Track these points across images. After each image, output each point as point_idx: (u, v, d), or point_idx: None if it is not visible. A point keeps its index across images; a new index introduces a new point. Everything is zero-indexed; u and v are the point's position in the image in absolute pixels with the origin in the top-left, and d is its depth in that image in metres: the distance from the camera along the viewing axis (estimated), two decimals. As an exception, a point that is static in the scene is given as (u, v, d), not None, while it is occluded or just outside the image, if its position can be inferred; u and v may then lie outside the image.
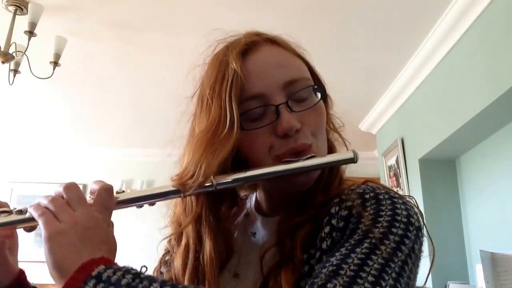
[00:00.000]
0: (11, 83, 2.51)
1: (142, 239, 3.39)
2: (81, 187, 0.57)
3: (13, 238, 0.63)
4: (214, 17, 2.36)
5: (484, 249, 2.17)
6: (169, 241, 0.72)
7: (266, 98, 0.62)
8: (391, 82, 3.11)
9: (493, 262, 2.13)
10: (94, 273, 0.48)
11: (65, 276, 0.48)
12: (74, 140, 4.44)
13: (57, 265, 0.49)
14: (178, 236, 0.69)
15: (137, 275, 0.49)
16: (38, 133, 4.23)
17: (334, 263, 0.51)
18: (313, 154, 0.61)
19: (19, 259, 0.65)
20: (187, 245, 0.67)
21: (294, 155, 0.61)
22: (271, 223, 0.67)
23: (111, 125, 4.03)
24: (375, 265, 0.50)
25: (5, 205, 0.60)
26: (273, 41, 0.68)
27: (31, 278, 0.65)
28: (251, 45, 0.66)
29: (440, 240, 2.72)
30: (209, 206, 0.66)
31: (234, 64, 0.62)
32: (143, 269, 0.52)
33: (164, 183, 0.64)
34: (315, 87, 0.65)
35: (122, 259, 0.53)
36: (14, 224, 0.57)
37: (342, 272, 0.49)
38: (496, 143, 2.48)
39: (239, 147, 0.63)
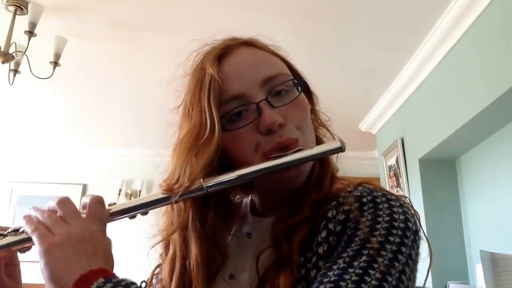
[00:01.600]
0: (11, 83, 2.51)
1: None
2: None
3: (14, 265, 0.62)
4: (214, 17, 2.36)
5: (484, 249, 2.17)
6: (160, 254, 0.72)
7: (246, 97, 0.62)
8: (391, 82, 3.11)
9: (493, 262, 2.13)
10: (93, 287, 0.47)
11: None
12: (74, 140, 4.44)
13: (54, 279, 0.49)
14: (166, 245, 0.69)
15: None
16: (38, 133, 4.23)
17: (332, 279, 0.51)
18: (300, 148, 0.61)
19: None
20: (174, 253, 0.67)
21: (281, 150, 0.61)
22: (266, 223, 0.66)
23: (111, 125, 4.03)
24: (373, 281, 0.50)
25: (2, 228, 0.59)
26: (248, 43, 0.69)
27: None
28: (226, 49, 0.67)
29: (440, 240, 2.73)
30: (196, 212, 0.66)
31: (210, 69, 0.63)
32: (143, 284, 0.52)
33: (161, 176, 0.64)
34: (295, 81, 0.66)
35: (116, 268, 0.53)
36: (9, 246, 0.56)
37: None
38: (496, 143, 2.49)
39: (225, 150, 0.63)
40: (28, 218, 0.55)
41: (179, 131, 0.67)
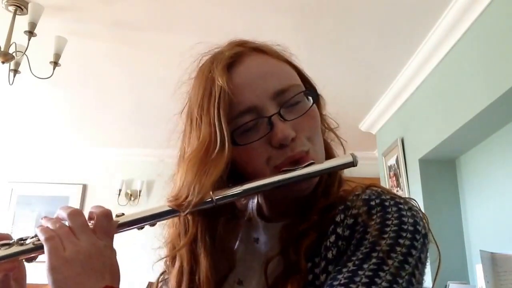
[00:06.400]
0: (11, 83, 2.51)
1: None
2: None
3: (20, 269, 0.62)
4: (214, 17, 2.36)
5: (484, 249, 2.17)
6: (165, 261, 0.71)
7: (257, 110, 0.61)
8: (391, 82, 3.11)
9: (493, 262, 2.13)
10: None
11: None
12: (74, 140, 4.44)
13: None
14: (173, 257, 0.68)
15: None
16: (38, 133, 4.23)
17: (342, 281, 0.51)
18: (311, 161, 0.60)
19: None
20: (180, 267, 0.65)
21: (292, 164, 0.60)
22: (273, 229, 0.66)
23: (111, 125, 4.03)
24: (384, 283, 0.50)
25: (7, 236, 0.58)
26: (258, 50, 0.66)
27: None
28: (235, 57, 0.64)
29: (440, 240, 2.70)
30: (205, 225, 0.65)
31: (220, 80, 0.61)
32: None
33: (164, 183, 0.64)
34: (306, 92, 0.64)
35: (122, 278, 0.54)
36: (15, 256, 0.56)
37: None
38: (496, 143, 2.48)
39: (235, 162, 0.62)
40: (41, 227, 0.55)
41: (186, 141, 0.65)
